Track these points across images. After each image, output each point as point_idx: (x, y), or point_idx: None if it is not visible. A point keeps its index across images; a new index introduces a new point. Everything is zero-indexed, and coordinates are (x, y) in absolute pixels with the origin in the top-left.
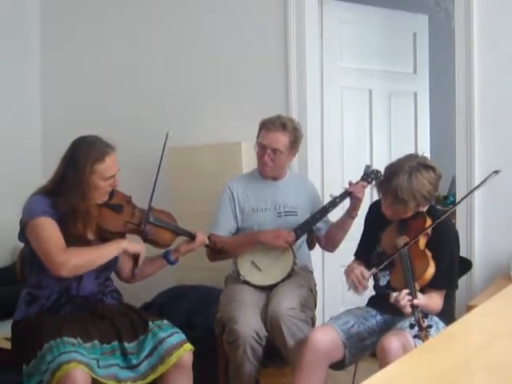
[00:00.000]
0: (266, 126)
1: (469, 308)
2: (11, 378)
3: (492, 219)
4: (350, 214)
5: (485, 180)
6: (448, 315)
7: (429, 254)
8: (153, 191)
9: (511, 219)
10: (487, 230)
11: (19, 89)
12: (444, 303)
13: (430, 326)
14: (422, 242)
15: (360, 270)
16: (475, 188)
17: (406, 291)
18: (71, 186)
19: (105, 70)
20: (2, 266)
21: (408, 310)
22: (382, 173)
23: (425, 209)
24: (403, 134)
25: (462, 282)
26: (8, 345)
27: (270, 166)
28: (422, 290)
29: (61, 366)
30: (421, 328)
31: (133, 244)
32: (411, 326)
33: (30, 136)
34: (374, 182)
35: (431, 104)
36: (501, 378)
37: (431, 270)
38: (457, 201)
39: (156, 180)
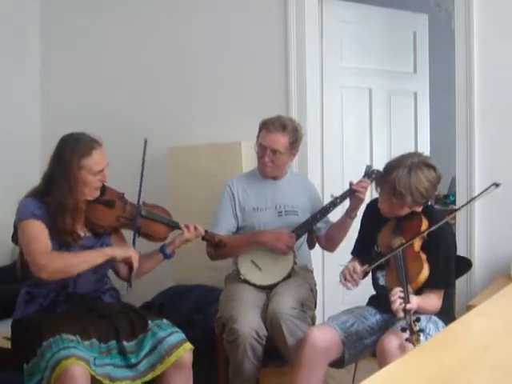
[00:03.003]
0: (266, 126)
1: (469, 307)
2: (12, 377)
3: (492, 219)
4: (350, 214)
5: (484, 191)
6: (447, 315)
7: (423, 256)
8: (140, 188)
9: (511, 219)
10: (487, 229)
11: (19, 89)
12: (443, 303)
13: (421, 330)
14: (418, 243)
15: (353, 264)
16: (473, 198)
17: (398, 289)
18: (59, 183)
19: (105, 70)
20: (2, 266)
21: (400, 314)
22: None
23: (420, 209)
24: (403, 134)
25: (462, 281)
26: (8, 344)
27: (269, 167)
28: (420, 290)
29: (60, 361)
30: (412, 332)
31: (121, 250)
32: (403, 330)
33: (30, 136)
34: (374, 182)
35: (431, 104)
36: (501, 378)
37: (425, 273)
38: (456, 204)
39: (141, 180)
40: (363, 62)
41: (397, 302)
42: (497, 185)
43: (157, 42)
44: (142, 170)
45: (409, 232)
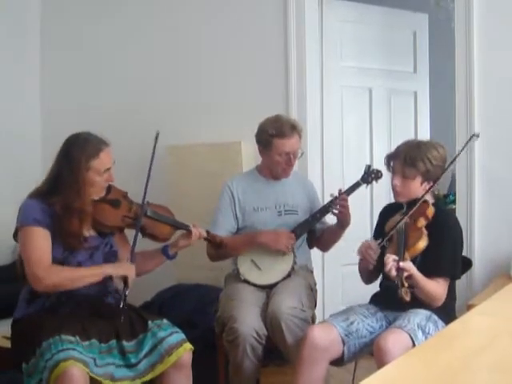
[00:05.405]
0: (282, 133)
1: (469, 307)
2: (11, 376)
3: (492, 218)
4: (342, 225)
5: (466, 144)
6: (448, 315)
7: (425, 231)
8: (146, 186)
9: (511, 218)
10: (487, 228)
11: (19, 89)
12: (445, 302)
13: (411, 287)
14: (421, 222)
15: (368, 241)
16: (458, 154)
17: (393, 256)
18: (67, 184)
19: (104, 70)
20: (3, 265)
21: (393, 272)
22: (383, 172)
23: (431, 200)
24: (403, 133)
25: (462, 281)
26: (7, 344)
27: (292, 168)
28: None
29: (58, 363)
30: (402, 285)
31: (119, 268)
32: (396, 287)
33: (30, 136)
34: (374, 182)
35: (431, 103)
36: (501, 377)
37: (423, 242)
38: (456, 203)
39: (148, 176)
40: (363, 62)
41: (390, 262)
42: (477, 136)
43: (156, 42)
44: (150, 168)
45: (415, 213)
